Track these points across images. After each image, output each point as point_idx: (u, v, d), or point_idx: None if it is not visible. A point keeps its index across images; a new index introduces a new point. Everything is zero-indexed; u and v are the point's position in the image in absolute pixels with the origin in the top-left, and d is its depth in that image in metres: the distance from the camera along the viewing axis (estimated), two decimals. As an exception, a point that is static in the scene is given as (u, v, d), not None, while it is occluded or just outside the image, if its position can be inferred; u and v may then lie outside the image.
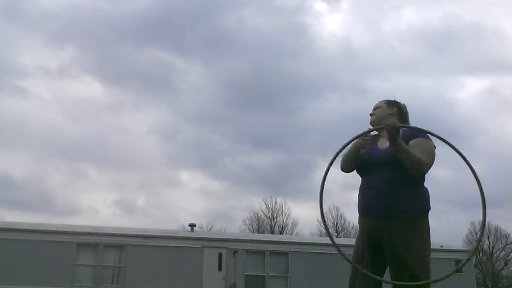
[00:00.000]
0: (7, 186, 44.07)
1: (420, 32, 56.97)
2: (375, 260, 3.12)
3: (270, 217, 42.96)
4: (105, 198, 54.91)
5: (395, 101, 3.37)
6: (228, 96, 54.75)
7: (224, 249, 17.58)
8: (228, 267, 17.37)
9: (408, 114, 3.36)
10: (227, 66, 53.42)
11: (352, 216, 51.58)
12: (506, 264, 42.77)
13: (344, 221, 42.73)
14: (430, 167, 3.07)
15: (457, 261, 19.31)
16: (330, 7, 61.97)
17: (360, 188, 3.21)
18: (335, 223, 42.85)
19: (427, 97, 56.09)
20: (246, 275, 17.45)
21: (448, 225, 49.75)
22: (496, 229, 43.00)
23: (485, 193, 2.90)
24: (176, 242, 17.46)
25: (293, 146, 53.90)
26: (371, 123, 3.35)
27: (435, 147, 3.16)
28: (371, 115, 3.39)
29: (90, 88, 51.18)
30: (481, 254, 43.12)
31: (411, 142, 3.05)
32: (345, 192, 54.20)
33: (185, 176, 56.18)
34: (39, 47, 51.65)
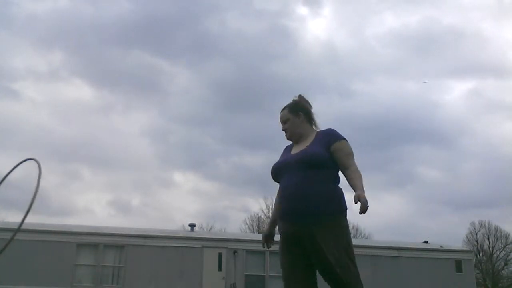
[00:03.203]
0: (2, 186, 44.10)
1: (401, 36, 57.56)
2: (298, 265, 3.14)
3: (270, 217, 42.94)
4: (100, 199, 55.26)
5: (296, 103, 3.29)
6: (216, 98, 55.33)
7: (224, 249, 17.58)
8: (228, 267, 17.37)
9: (310, 107, 3.29)
10: (213, 69, 54.00)
11: (352, 216, 51.59)
12: (506, 264, 42.77)
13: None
14: None
15: (457, 261, 19.34)
16: (312, 12, 62.40)
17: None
18: (335, 223, 42.86)
19: (412, 99, 56.64)
20: (246, 275, 17.45)
21: (443, 226, 49.97)
22: (496, 229, 43.03)
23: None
24: (176, 242, 17.47)
25: (283, 146, 54.25)
26: (289, 139, 3.32)
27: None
28: (284, 130, 3.31)
29: (80, 91, 51.90)
30: (481, 254, 43.16)
31: (335, 146, 3.04)
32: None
33: (178, 177, 56.57)
34: (27, 51, 52.23)
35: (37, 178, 2.94)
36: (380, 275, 18.31)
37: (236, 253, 17.51)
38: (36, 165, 2.90)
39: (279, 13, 57.40)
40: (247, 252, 17.74)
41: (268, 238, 3.35)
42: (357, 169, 3.00)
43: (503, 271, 42.99)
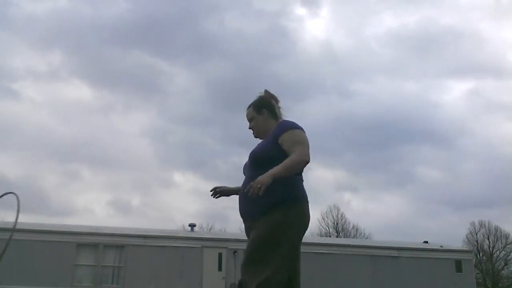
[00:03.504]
0: (1, 186, 44.21)
1: (400, 36, 57.73)
2: None
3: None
4: (100, 199, 55.32)
5: (260, 100, 3.23)
6: (215, 98, 55.45)
7: (224, 249, 17.58)
8: (228, 267, 17.36)
9: (276, 101, 3.24)
10: (212, 69, 54.16)
11: (351, 216, 51.79)
12: (506, 264, 42.77)
13: (345, 221, 42.75)
14: (309, 155, 2.92)
15: (457, 261, 19.34)
16: (310, 12, 62.54)
17: None
18: (335, 223, 42.86)
19: (412, 99, 56.76)
20: (246, 275, 17.44)
21: (443, 226, 50.01)
22: (496, 229, 43.04)
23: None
24: (176, 242, 17.46)
25: (282, 147, 54.46)
26: (256, 137, 3.26)
27: (303, 132, 3.01)
28: (250, 128, 3.28)
29: (79, 91, 52.02)
30: (481, 254, 43.16)
31: (282, 137, 2.95)
32: (338, 193, 54.50)
33: (177, 177, 56.64)
34: (27, 51, 52.42)
35: (16, 210, 2.95)
36: (380, 275, 18.32)
37: (236, 253, 17.50)
38: (16, 199, 2.90)
39: (277, 14, 57.52)
40: (247, 252, 17.73)
41: (219, 190, 3.39)
42: (295, 156, 2.83)
43: (503, 271, 42.99)
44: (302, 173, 3.04)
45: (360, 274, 18.19)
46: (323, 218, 42.85)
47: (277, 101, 3.25)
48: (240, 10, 58.15)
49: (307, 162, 2.90)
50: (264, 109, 3.18)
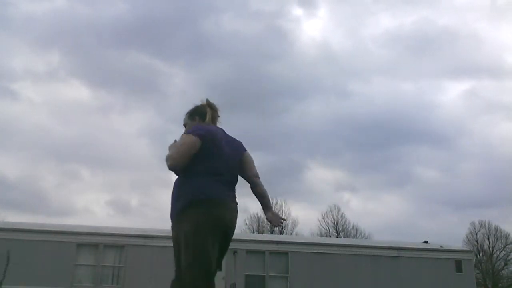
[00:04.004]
0: (1, 186, 44.28)
1: (397, 36, 57.82)
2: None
3: (270, 217, 42.90)
4: (99, 199, 55.40)
5: (194, 108, 3.46)
6: (213, 99, 55.29)
7: (282, 224, 17.56)
8: (228, 267, 17.36)
9: (213, 110, 3.43)
10: (209, 69, 54.38)
11: (351, 216, 51.71)
12: (506, 264, 42.78)
13: (345, 221, 42.75)
14: (179, 158, 3.05)
15: (457, 261, 19.32)
16: (307, 13, 62.67)
17: None
18: (335, 223, 42.87)
19: (409, 100, 56.90)
20: (246, 275, 17.44)
21: (442, 226, 50.05)
22: (496, 229, 43.05)
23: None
24: (176, 242, 17.46)
25: (281, 147, 54.80)
26: None
27: (193, 136, 3.12)
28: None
29: (78, 91, 52.11)
30: (481, 254, 43.15)
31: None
32: (337, 193, 54.58)
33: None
34: (25, 51, 52.59)
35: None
36: (380, 275, 18.31)
37: (236, 253, 17.50)
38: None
39: (275, 14, 57.59)
40: (247, 252, 17.74)
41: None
42: (175, 141, 3.19)
43: (503, 271, 43.00)
44: (224, 173, 3.13)
45: (360, 274, 18.19)
46: (323, 218, 42.89)
47: (215, 109, 3.45)
48: (237, 10, 58.29)
49: (168, 163, 3.05)
50: (196, 116, 3.41)
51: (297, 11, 63.47)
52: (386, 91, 57.16)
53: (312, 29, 62.46)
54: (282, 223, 3.34)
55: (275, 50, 56.43)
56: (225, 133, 3.40)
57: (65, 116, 52.76)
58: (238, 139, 3.46)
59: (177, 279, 3.09)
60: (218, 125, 3.44)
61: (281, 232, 41.35)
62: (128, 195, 55.84)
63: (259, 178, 3.37)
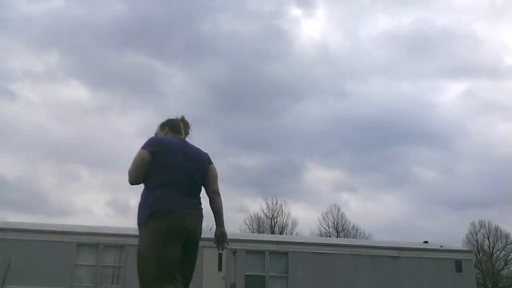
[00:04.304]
0: (0, 186, 44.32)
1: (395, 37, 57.89)
2: None
3: (270, 217, 43.00)
4: (98, 199, 55.40)
5: (166, 120, 3.62)
6: (211, 99, 55.69)
7: (224, 249, 17.55)
8: (228, 267, 17.37)
9: (182, 125, 3.58)
10: (207, 70, 54.40)
11: (350, 216, 51.70)
12: (506, 264, 42.77)
13: (345, 221, 42.75)
14: (134, 175, 3.25)
15: (457, 261, 19.33)
16: (305, 13, 62.65)
17: None
18: (335, 223, 42.86)
19: (407, 100, 56.94)
20: (246, 275, 17.45)
21: (441, 226, 50.04)
22: (496, 229, 43.04)
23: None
24: (176, 242, 17.47)
25: (280, 147, 54.88)
26: None
27: (144, 150, 3.27)
28: None
29: (76, 92, 52.23)
30: (481, 254, 43.15)
31: None
32: (337, 193, 54.62)
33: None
34: (24, 52, 52.60)
35: None
36: (380, 275, 18.31)
37: (236, 253, 17.51)
38: None
39: (273, 14, 57.60)
40: (247, 252, 17.74)
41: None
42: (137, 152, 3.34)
43: (503, 271, 42.99)
44: (180, 182, 3.24)
45: (360, 274, 18.19)
46: (323, 218, 42.89)
47: (187, 125, 3.61)
48: (236, 11, 58.30)
49: (129, 181, 3.27)
50: (166, 127, 3.58)
51: (296, 11, 63.49)
52: (384, 91, 57.22)
53: (311, 29, 62.53)
54: (225, 247, 3.55)
55: (274, 50, 56.51)
56: (189, 145, 3.48)
57: (64, 116, 52.88)
58: (204, 151, 3.54)
59: None
60: (188, 139, 3.58)
61: (281, 232, 41.36)
62: (127, 195, 55.88)
63: (218, 194, 3.46)
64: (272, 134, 54.35)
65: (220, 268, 17.31)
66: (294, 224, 42.75)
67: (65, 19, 51.39)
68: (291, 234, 40.94)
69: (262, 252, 17.92)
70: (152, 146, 3.27)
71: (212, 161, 3.52)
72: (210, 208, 3.47)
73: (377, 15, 60.74)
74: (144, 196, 3.24)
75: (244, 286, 17.27)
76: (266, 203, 43.10)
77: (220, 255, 17.43)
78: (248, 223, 42.33)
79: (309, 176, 55.55)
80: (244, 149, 57.18)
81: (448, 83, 61.75)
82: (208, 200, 3.47)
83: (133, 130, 55.36)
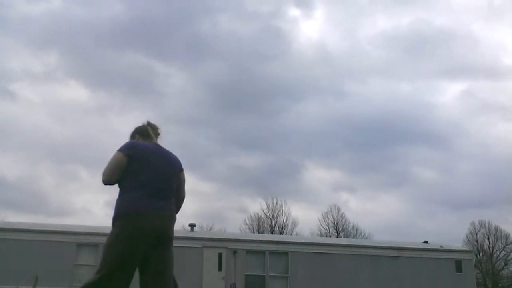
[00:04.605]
0: (0, 186, 44.34)
1: (393, 37, 57.92)
2: None
3: (270, 217, 43.00)
4: (98, 199, 55.43)
5: (134, 129, 3.80)
6: (210, 99, 55.80)
7: (224, 249, 17.58)
8: (228, 267, 17.37)
9: (150, 129, 3.75)
10: (207, 70, 54.47)
11: (352, 216, 51.75)
12: (506, 264, 42.77)
13: (345, 221, 42.75)
14: (108, 174, 3.39)
15: (457, 261, 19.33)
16: (304, 13, 62.74)
17: None
18: (335, 223, 42.86)
19: (406, 100, 57.00)
20: (246, 275, 17.45)
21: (441, 226, 50.06)
22: (496, 229, 43.04)
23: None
24: (176, 242, 17.19)
25: (279, 147, 54.95)
26: None
27: (121, 153, 3.42)
28: None
29: (76, 92, 52.29)
30: (481, 254, 43.15)
31: None
32: (336, 193, 54.64)
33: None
34: (23, 52, 52.62)
35: None
36: (380, 275, 18.31)
37: (236, 253, 17.51)
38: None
39: (271, 15, 57.65)
40: (247, 252, 17.75)
41: None
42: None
43: (503, 271, 43.00)
44: (152, 185, 3.38)
45: (360, 274, 18.19)
46: (323, 218, 42.88)
47: (155, 128, 3.78)
48: (234, 11, 58.33)
49: (103, 180, 3.42)
50: (136, 134, 3.76)
51: (294, 11, 63.53)
52: (383, 91, 57.27)
53: (309, 30, 62.59)
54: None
55: (273, 50, 56.58)
56: (162, 149, 3.64)
57: (64, 116, 52.95)
58: (175, 156, 3.72)
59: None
60: (159, 141, 3.75)
61: (281, 232, 41.36)
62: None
63: (182, 200, 3.69)
64: (272, 134, 54.43)
65: (220, 268, 17.31)
66: (294, 224, 42.77)
67: (64, 20, 51.48)
68: (291, 234, 40.94)
69: (262, 252, 17.92)
70: (129, 150, 3.43)
71: (183, 168, 3.72)
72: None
73: (375, 15, 60.85)
74: (118, 198, 3.40)
75: (244, 286, 17.27)
76: (266, 203, 43.14)
77: (220, 255, 17.44)
78: (248, 223, 42.37)
79: (309, 176, 55.60)
80: (243, 149, 57.25)
81: (447, 83, 61.84)
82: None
83: (132, 130, 55.51)
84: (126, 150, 3.43)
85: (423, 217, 53.23)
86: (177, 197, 3.59)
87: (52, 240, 16.15)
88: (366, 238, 39.22)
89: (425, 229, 46.95)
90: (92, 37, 52.84)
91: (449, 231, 47.20)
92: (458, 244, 32.56)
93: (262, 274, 17.67)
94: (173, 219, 3.48)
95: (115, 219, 3.36)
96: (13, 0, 51.27)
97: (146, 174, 3.36)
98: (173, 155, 3.68)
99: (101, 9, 53.82)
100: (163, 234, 3.33)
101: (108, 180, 3.39)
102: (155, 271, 3.32)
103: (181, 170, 3.68)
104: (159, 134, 3.77)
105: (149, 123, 3.80)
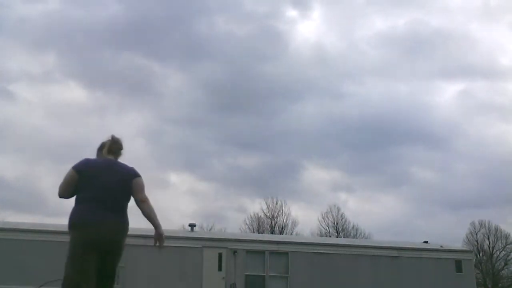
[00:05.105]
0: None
1: (390, 38, 57.98)
2: None
3: (270, 217, 43.00)
4: (96, 199, 55.53)
5: (100, 145, 4.13)
6: (208, 100, 55.96)
7: (224, 249, 17.58)
8: (228, 267, 17.36)
9: (113, 144, 4.07)
10: (204, 70, 54.65)
11: (352, 216, 51.76)
12: (506, 264, 42.78)
13: (345, 221, 42.74)
14: (61, 190, 3.81)
15: (457, 261, 19.32)
16: (301, 14, 62.86)
17: None
18: (335, 223, 42.86)
19: (403, 101, 57.06)
20: (246, 275, 17.45)
21: (439, 226, 50.04)
22: (496, 229, 43.04)
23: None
24: (176, 242, 17.44)
25: (277, 147, 55.06)
26: None
27: (73, 170, 3.81)
28: None
29: (74, 92, 52.41)
30: (481, 254, 43.15)
31: None
32: (335, 193, 54.67)
33: (174, 177, 56.95)
34: (21, 53, 52.69)
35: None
36: (380, 275, 18.31)
37: (236, 253, 17.51)
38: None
39: (268, 16, 57.71)
40: (247, 252, 17.74)
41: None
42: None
43: (503, 271, 43.01)
44: (101, 198, 3.73)
45: (360, 274, 18.18)
46: (323, 218, 42.88)
47: (116, 142, 4.10)
48: (231, 12, 58.45)
49: (58, 194, 3.82)
50: (101, 150, 4.09)
51: (291, 12, 63.64)
52: (381, 92, 57.35)
53: (307, 30, 62.69)
54: (163, 247, 4.11)
55: (270, 51, 56.69)
56: (114, 164, 3.95)
57: (62, 116, 53.05)
58: (130, 166, 4.01)
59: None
60: (122, 154, 4.11)
61: (281, 232, 41.35)
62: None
63: (144, 201, 3.94)
64: (270, 135, 54.51)
65: (220, 268, 17.31)
66: (294, 224, 42.78)
67: (62, 20, 51.61)
68: (291, 234, 40.94)
69: (262, 252, 17.91)
70: (81, 167, 3.82)
71: (139, 174, 3.99)
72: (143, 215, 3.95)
73: (372, 16, 60.96)
74: (72, 209, 3.77)
75: (244, 286, 17.27)
76: (266, 203, 43.13)
77: (220, 255, 17.44)
78: (248, 223, 42.37)
79: (307, 177, 55.63)
80: (241, 149, 57.32)
81: (444, 83, 61.95)
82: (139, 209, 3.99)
83: (131, 131, 55.46)
84: (78, 167, 3.81)
85: (422, 217, 53.29)
86: (138, 201, 3.91)
87: (52, 240, 16.13)
88: (366, 238, 39.22)
89: (425, 229, 46.96)
90: (90, 38, 52.97)
91: (449, 231, 47.21)
92: (458, 244, 32.57)
93: (262, 274, 17.67)
94: (121, 228, 3.84)
95: (68, 229, 3.76)
96: (10, 0, 51.30)
97: (95, 188, 3.71)
98: (126, 167, 3.97)
99: (99, 10, 53.97)
100: (110, 244, 3.69)
101: (61, 195, 3.81)
102: (104, 276, 3.71)
103: (135, 177, 3.94)
104: (120, 148, 4.10)
105: (112, 138, 4.12)
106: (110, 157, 4.01)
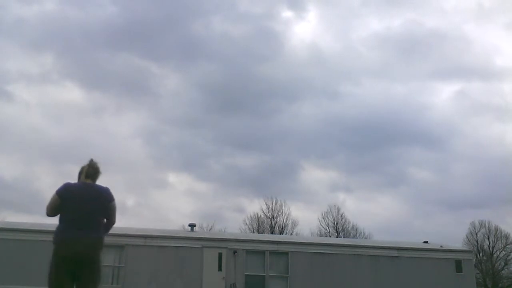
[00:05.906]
0: None
1: (386, 38, 58.11)
2: None
3: (270, 217, 42.99)
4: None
5: (80, 169, 4.63)
6: (206, 100, 56.08)
7: (224, 249, 17.58)
8: (228, 267, 17.36)
9: (90, 169, 4.57)
10: (201, 71, 54.68)
11: (352, 216, 51.71)
12: (506, 264, 42.78)
13: (345, 221, 42.74)
14: (48, 211, 4.37)
15: (457, 261, 19.32)
16: (297, 15, 62.90)
17: None
18: (335, 223, 42.85)
19: (400, 101, 57.12)
20: (246, 275, 17.45)
21: (438, 226, 50.05)
22: (496, 229, 43.03)
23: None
24: (176, 242, 17.46)
25: (275, 148, 55.13)
26: None
27: (56, 195, 4.35)
28: None
29: (71, 93, 52.49)
30: (481, 254, 43.15)
31: None
32: (333, 193, 54.70)
33: (172, 178, 56.98)
34: (19, 54, 52.77)
35: None
36: (380, 275, 18.31)
37: (236, 253, 17.51)
38: None
39: (263, 16, 57.79)
40: (247, 252, 17.74)
41: None
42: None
43: (503, 271, 43.01)
44: (77, 219, 4.29)
45: (360, 274, 18.19)
46: (323, 218, 42.88)
47: (93, 167, 4.62)
48: (227, 13, 58.54)
49: (46, 214, 4.39)
50: (79, 174, 4.62)
51: (287, 13, 63.70)
52: (377, 92, 57.47)
53: (302, 31, 62.79)
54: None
55: (266, 52, 56.85)
56: (91, 188, 4.49)
57: (60, 117, 53.11)
58: (105, 187, 4.56)
59: None
60: (99, 177, 4.61)
61: (281, 232, 41.35)
62: (123, 195, 55.98)
63: (111, 225, 4.62)
64: (267, 135, 54.59)
65: (220, 268, 17.31)
66: (294, 224, 42.76)
67: (58, 22, 51.72)
68: (291, 234, 40.93)
69: (262, 252, 17.91)
70: (62, 191, 4.38)
71: (113, 197, 4.55)
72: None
73: (368, 17, 61.01)
74: (55, 229, 4.32)
75: (244, 286, 17.27)
76: (266, 203, 43.13)
77: (220, 255, 17.44)
78: (248, 223, 42.36)
79: (306, 177, 55.64)
80: (239, 149, 57.39)
81: (440, 84, 62.07)
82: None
83: (128, 131, 55.48)
84: (59, 192, 4.37)
85: (420, 217, 53.32)
86: (107, 223, 4.54)
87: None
88: (366, 238, 39.22)
89: (424, 229, 46.98)
90: (87, 39, 53.00)
91: (448, 231, 47.21)
92: (458, 244, 32.56)
93: (262, 274, 17.66)
94: (93, 243, 4.31)
95: (53, 244, 4.24)
96: (7, 1, 51.33)
97: (72, 210, 4.29)
98: (102, 190, 4.52)
99: (96, 11, 54.00)
100: (84, 259, 4.19)
101: (48, 215, 4.39)
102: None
103: (110, 201, 4.53)
104: (97, 172, 4.62)
105: (89, 164, 4.64)
106: (88, 181, 4.53)
